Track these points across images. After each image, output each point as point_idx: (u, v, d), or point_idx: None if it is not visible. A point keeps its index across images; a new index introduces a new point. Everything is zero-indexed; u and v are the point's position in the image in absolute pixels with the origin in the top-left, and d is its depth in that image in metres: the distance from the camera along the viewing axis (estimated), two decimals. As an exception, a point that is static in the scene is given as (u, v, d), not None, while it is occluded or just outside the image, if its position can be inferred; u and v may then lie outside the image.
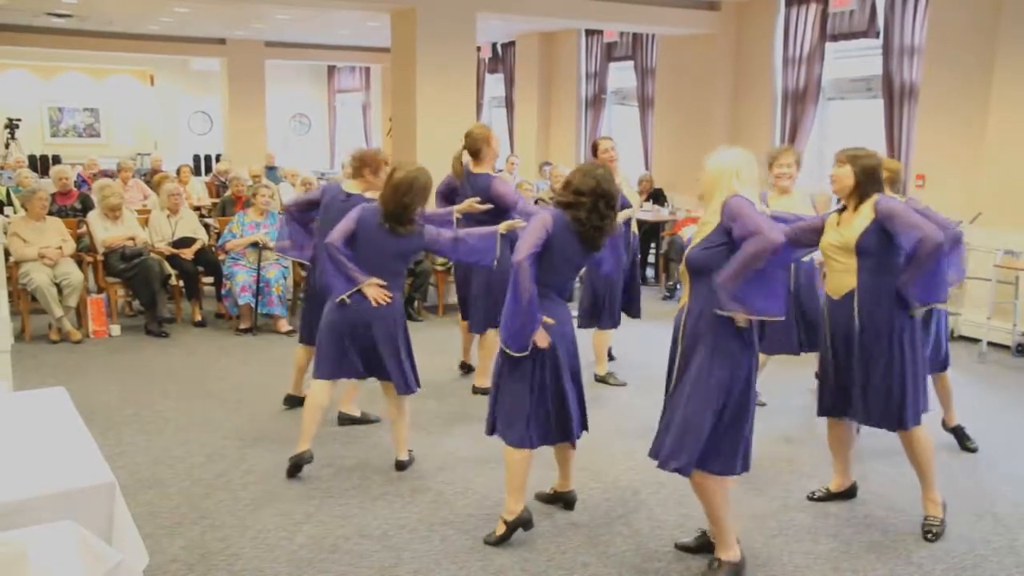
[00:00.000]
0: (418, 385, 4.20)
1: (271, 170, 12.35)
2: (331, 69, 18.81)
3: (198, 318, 7.19)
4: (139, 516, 3.46)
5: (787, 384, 5.63)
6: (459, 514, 3.74)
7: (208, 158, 16.88)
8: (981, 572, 3.32)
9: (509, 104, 13.85)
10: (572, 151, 12.62)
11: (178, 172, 10.57)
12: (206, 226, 8.08)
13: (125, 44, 13.75)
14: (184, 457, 4.37)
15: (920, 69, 7.79)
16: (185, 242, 7.27)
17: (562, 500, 3.82)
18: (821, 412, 3.75)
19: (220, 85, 15.72)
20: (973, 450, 4.52)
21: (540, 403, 3.38)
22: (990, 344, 6.68)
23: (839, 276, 3.55)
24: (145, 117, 17.30)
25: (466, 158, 5.13)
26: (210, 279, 7.41)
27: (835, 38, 8.73)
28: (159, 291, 6.86)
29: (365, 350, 4.05)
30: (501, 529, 3.45)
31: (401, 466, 4.22)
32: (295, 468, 4.11)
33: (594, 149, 5.54)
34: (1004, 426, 5.00)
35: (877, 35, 8.26)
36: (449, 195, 5.29)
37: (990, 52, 6.99)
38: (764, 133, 9.50)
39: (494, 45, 14.15)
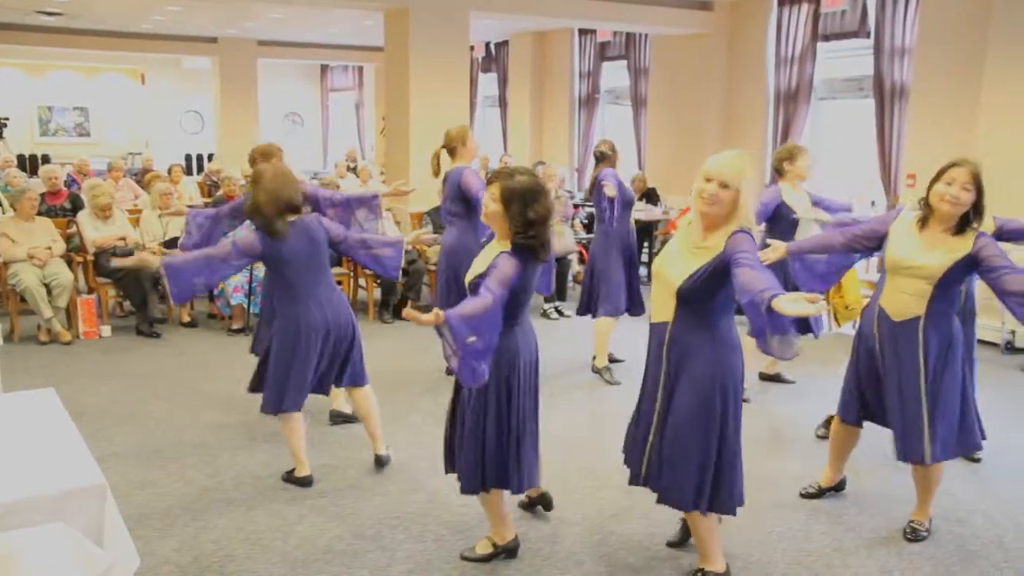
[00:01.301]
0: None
1: (263, 169, 12.30)
2: (324, 68, 18.78)
3: (186, 319, 7.17)
4: (131, 518, 3.45)
5: (768, 380, 5.66)
6: (453, 513, 3.74)
7: (200, 157, 16.82)
8: (969, 568, 3.34)
9: (502, 103, 13.85)
10: (566, 150, 12.63)
11: (169, 171, 10.52)
12: (198, 226, 8.04)
13: (116, 43, 13.69)
14: (176, 458, 4.35)
15: (911, 69, 7.82)
16: (177, 242, 7.23)
17: (540, 503, 3.75)
18: (850, 420, 3.64)
19: (212, 84, 15.68)
20: (977, 460, 4.43)
21: (508, 444, 3.12)
22: (980, 342, 6.70)
23: (905, 298, 3.29)
24: (136, 116, 17.24)
25: (446, 156, 5.43)
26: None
27: (827, 38, 8.77)
28: (150, 291, 6.83)
29: (327, 356, 3.90)
30: (486, 549, 3.34)
31: (381, 461, 4.18)
32: (292, 483, 4.05)
33: (613, 149, 5.64)
34: (994, 422, 5.00)
35: (868, 35, 8.29)
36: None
37: (980, 52, 7.01)
38: (757, 133, 9.53)
39: (487, 44, 14.14)
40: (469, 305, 2.79)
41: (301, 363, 3.83)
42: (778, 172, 5.23)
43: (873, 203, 7.95)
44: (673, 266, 2.92)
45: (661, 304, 2.99)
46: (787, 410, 5.17)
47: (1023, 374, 6.15)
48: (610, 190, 5.31)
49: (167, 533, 3.54)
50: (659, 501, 3.05)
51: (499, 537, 3.35)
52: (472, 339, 2.74)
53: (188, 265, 3.68)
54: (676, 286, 2.88)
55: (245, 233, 3.76)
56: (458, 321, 2.72)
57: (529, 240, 2.95)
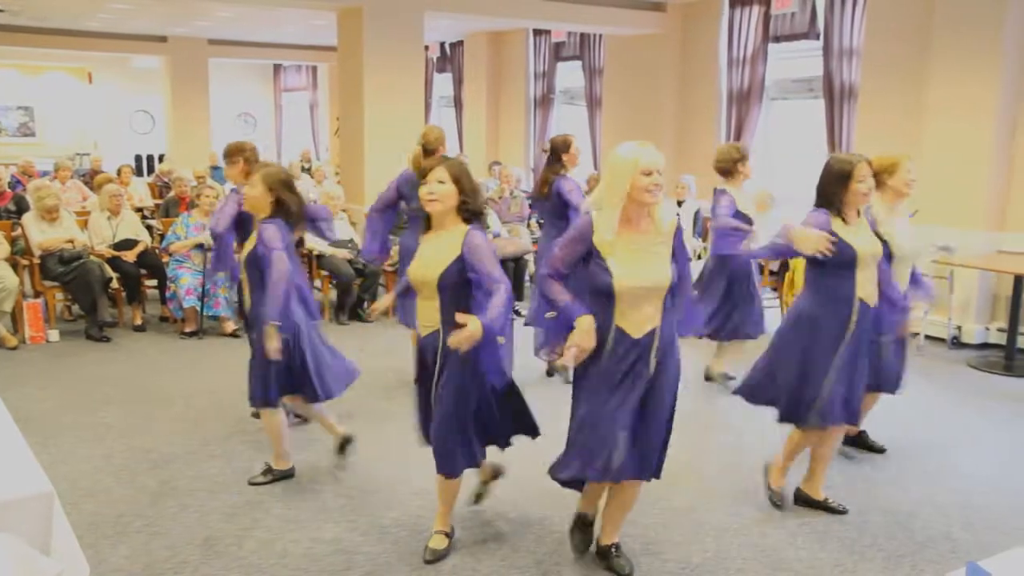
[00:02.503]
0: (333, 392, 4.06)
1: (216, 170, 12.13)
2: (277, 68, 18.57)
3: (137, 322, 7.03)
4: (80, 526, 3.38)
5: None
6: (411, 515, 3.72)
7: (151, 158, 16.52)
8: (918, 559, 3.42)
9: (458, 103, 13.83)
10: (521, 151, 12.66)
11: (119, 172, 10.31)
12: (148, 228, 7.90)
13: (61, 41, 13.36)
14: (128, 464, 4.26)
15: (859, 70, 8.00)
16: (127, 244, 7.10)
17: (493, 477, 3.67)
18: (827, 423, 3.60)
19: (162, 83, 15.39)
20: (882, 450, 4.49)
21: (480, 420, 3.29)
22: (927, 337, 6.89)
23: (873, 285, 3.58)
24: (83, 116, 16.85)
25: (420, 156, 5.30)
26: (153, 282, 7.26)
27: (777, 39, 8.92)
28: (100, 295, 6.68)
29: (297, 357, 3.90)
30: (442, 543, 3.37)
31: (347, 441, 4.17)
32: (274, 478, 4.05)
33: (566, 146, 5.49)
34: (942, 416, 5.16)
35: (817, 37, 8.45)
36: (396, 200, 5.38)
37: (925, 54, 7.19)
38: (710, 132, 9.66)
39: (442, 44, 14.11)
40: (496, 307, 2.89)
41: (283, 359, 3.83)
42: (728, 174, 5.09)
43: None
44: (642, 272, 2.87)
45: (645, 316, 2.90)
46: (739, 404, 5.24)
47: (970, 369, 6.31)
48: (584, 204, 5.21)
49: (119, 540, 3.46)
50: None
51: (446, 524, 3.41)
52: (501, 339, 2.92)
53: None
54: (666, 284, 2.91)
55: (271, 229, 3.76)
56: (490, 326, 2.87)
57: (480, 205, 3.15)
